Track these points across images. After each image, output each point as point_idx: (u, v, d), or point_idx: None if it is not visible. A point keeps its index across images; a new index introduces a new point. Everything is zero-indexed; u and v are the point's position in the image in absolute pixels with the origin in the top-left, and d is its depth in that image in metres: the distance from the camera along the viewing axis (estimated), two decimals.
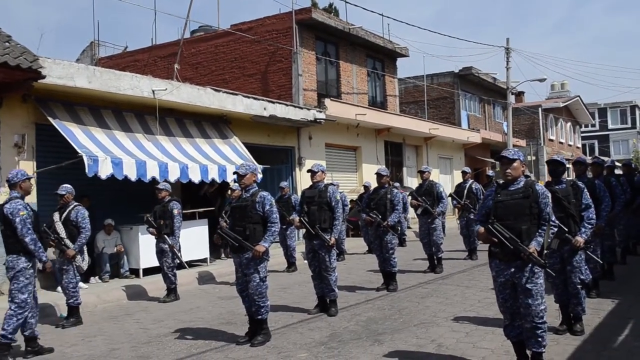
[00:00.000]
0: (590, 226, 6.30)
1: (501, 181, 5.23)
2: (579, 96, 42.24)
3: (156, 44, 21.72)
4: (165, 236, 9.54)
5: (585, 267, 6.53)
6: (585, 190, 6.41)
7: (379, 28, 32.80)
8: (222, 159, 13.17)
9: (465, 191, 12.92)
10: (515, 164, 4.92)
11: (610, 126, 56.60)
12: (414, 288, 9.63)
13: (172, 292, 9.63)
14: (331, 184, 8.45)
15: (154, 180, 11.01)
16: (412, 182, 22.24)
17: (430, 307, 7.96)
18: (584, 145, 51.17)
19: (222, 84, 17.72)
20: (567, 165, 8.51)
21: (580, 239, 6.20)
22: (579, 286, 6.27)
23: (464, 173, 13.67)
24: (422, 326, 6.90)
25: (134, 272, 11.52)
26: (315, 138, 17.87)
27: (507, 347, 5.31)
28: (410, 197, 12.41)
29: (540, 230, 4.84)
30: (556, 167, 6.46)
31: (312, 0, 29.25)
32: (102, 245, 11.32)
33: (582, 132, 50.15)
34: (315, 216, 7.89)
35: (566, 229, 6.18)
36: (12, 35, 9.55)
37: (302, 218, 8.03)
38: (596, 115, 54.27)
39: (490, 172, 16.29)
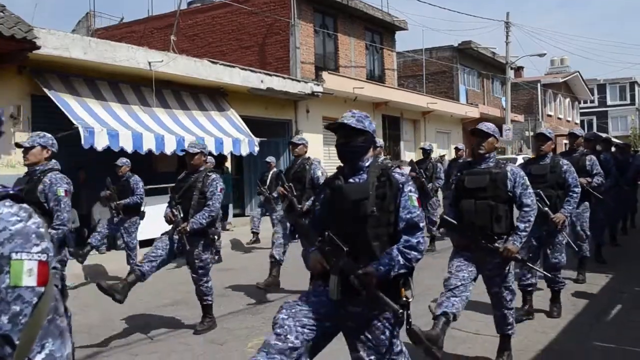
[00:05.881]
0: (524, 233, 4.48)
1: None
2: (578, 72, 42.08)
3: (153, 15, 21.52)
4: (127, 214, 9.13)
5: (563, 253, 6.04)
6: (516, 175, 4.49)
7: (378, 0, 32.54)
8: (219, 132, 13.13)
9: None
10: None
11: (609, 102, 56.42)
12: None
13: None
14: (308, 158, 7.46)
15: (150, 153, 10.99)
16: (410, 157, 22.21)
17: (424, 281, 7.99)
18: (582, 122, 51.12)
19: (219, 56, 17.58)
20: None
21: (512, 247, 4.40)
22: (504, 310, 4.64)
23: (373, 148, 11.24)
24: (415, 300, 6.89)
25: None
26: (313, 111, 17.80)
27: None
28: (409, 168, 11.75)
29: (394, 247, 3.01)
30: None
31: None
32: (99, 217, 11.33)
33: (581, 108, 50.06)
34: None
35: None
36: (6, 4, 9.45)
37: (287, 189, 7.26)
38: (595, 91, 54.09)
39: (460, 145, 14.84)
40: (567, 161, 6.20)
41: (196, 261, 6.01)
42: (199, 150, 6.13)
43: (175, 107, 12.95)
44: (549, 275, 5.86)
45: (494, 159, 4.62)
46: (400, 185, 3.10)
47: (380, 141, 9.05)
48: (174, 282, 8.69)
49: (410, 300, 3.07)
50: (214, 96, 14.22)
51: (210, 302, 6.18)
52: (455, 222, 4.54)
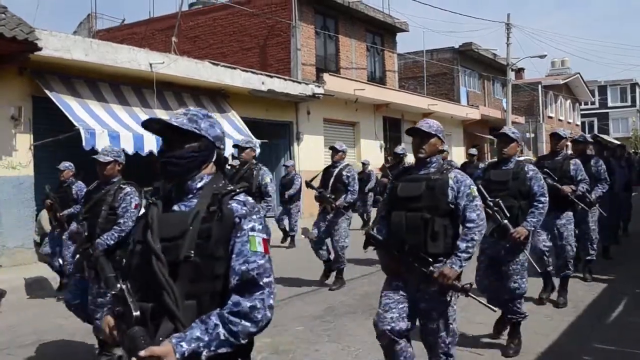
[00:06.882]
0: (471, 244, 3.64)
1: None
2: (579, 73, 42.08)
3: (154, 16, 21.53)
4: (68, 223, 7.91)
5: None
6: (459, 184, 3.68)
7: (379, 2, 32.61)
8: None
9: (332, 179, 8.15)
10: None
11: (610, 104, 56.40)
12: None
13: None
14: (256, 163, 7.17)
15: (151, 154, 10.99)
16: (410, 158, 22.19)
17: None
18: (583, 123, 51.06)
19: (221, 58, 17.58)
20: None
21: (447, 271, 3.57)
22: (441, 356, 3.73)
23: (334, 151, 8.39)
24: None
25: None
26: (314, 113, 17.79)
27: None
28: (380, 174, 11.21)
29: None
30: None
31: None
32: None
33: (582, 110, 50.02)
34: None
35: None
36: (8, 6, 9.45)
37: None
38: (596, 93, 54.09)
39: (472, 151, 14.21)
40: (533, 166, 5.34)
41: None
42: (111, 159, 5.22)
43: (177, 109, 12.93)
44: (507, 304, 5.05)
45: (437, 164, 3.79)
46: (237, 220, 2.09)
47: (342, 145, 8.47)
48: None
49: None
50: (215, 98, 14.23)
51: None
52: (380, 238, 3.80)
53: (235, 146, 7.09)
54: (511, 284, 5.00)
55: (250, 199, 2.20)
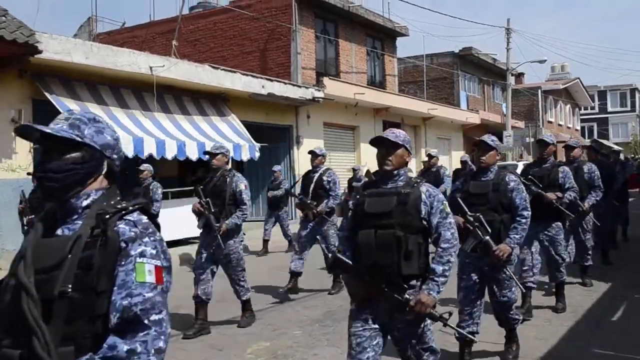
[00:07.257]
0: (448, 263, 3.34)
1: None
2: (578, 78, 42.15)
3: (154, 20, 21.56)
4: None
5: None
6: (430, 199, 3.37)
7: (379, 6, 32.67)
8: (220, 137, 13.14)
9: (313, 184, 7.91)
10: None
11: (609, 109, 56.49)
12: None
13: None
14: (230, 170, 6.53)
15: (151, 157, 11.01)
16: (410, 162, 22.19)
17: None
18: (582, 128, 51.15)
19: (221, 61, 17.60)
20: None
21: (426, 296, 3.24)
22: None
23: (313, 155, 8.03)
24: None
25: None
26: (314, 117, 17.81)
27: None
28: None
29: None
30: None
31: None
32: None
33: (582, 115, 50.08)
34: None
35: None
36: (8, 9, 9.47)
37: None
38: (596, 97, 54.15)
39: (464, 157, 13.95)
40: (515, 177, 4.94)
41: None
42: None
43: (177, 112, 12.98)
44: (501, 314, 4.97)
45: (405, 177, 3.46)
46: (122, 245, 1.74)
47: (322, 149, 8.17)
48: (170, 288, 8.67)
49: None
50: (215, 101, 14.24)
51: None
52: (349, 262, 3.39)
53: (206, 153, 6.69)
54: (501, 298, 4.81)
55: (144, 218, 1.82)
